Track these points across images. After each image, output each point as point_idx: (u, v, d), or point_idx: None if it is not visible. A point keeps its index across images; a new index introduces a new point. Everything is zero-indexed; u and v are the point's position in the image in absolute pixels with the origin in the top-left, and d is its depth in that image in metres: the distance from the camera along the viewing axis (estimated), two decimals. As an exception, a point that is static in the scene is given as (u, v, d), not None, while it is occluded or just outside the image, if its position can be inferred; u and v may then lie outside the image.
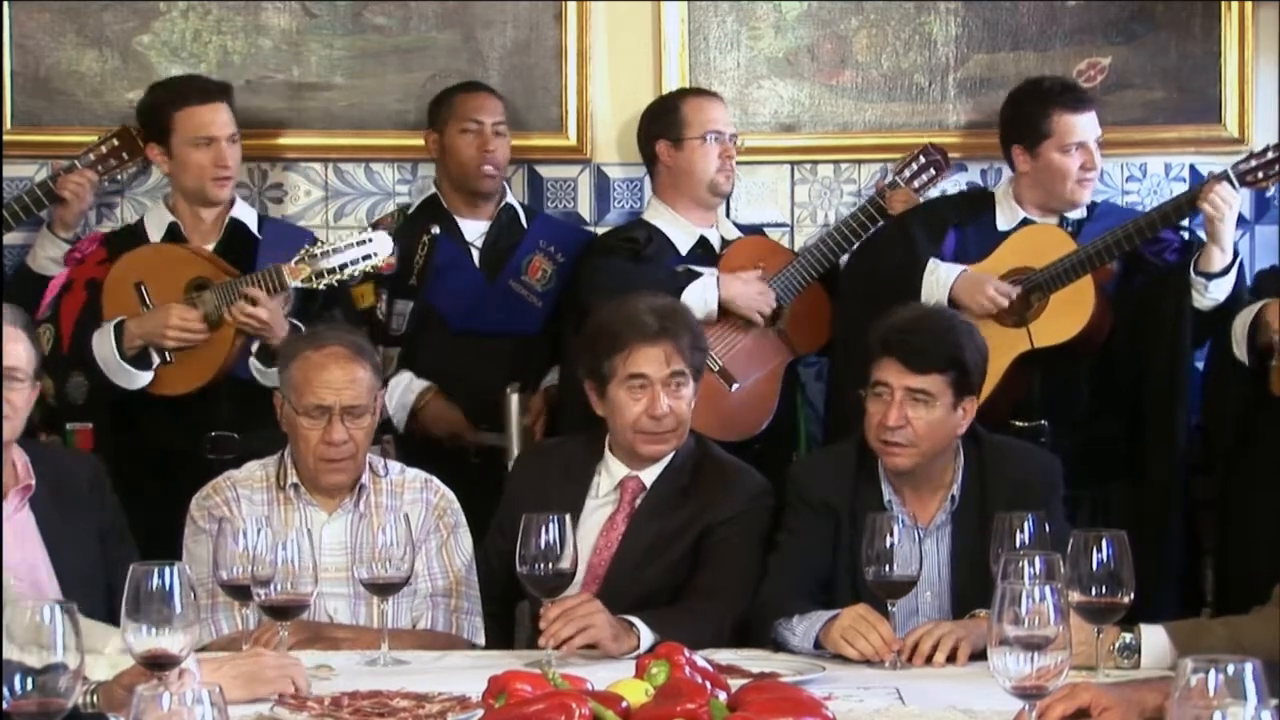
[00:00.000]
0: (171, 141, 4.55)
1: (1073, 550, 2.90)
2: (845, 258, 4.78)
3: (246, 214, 4.68)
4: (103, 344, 4.37)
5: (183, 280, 4.44)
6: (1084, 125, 4.54)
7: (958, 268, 4.49)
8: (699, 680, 2.59)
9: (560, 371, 4.69)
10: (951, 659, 3.22)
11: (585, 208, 5.08)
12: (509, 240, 4.83)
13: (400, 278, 4.67)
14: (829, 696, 2.82)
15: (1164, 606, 3.93)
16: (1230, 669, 1.88)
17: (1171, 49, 4.97)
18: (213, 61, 5.00)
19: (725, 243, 4.78)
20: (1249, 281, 4.51)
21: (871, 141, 5.03)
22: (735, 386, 4.60)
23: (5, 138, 4.87)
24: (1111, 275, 4.53)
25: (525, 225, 4.86)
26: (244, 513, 3.60)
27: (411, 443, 4.59)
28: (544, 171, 5.08)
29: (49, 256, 4.74)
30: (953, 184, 5.00)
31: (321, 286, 4.33)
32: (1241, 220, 4.75)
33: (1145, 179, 5.01)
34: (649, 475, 3.75)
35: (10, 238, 4.83)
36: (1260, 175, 4.44)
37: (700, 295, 4.51)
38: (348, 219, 5.03)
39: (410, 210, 4.87)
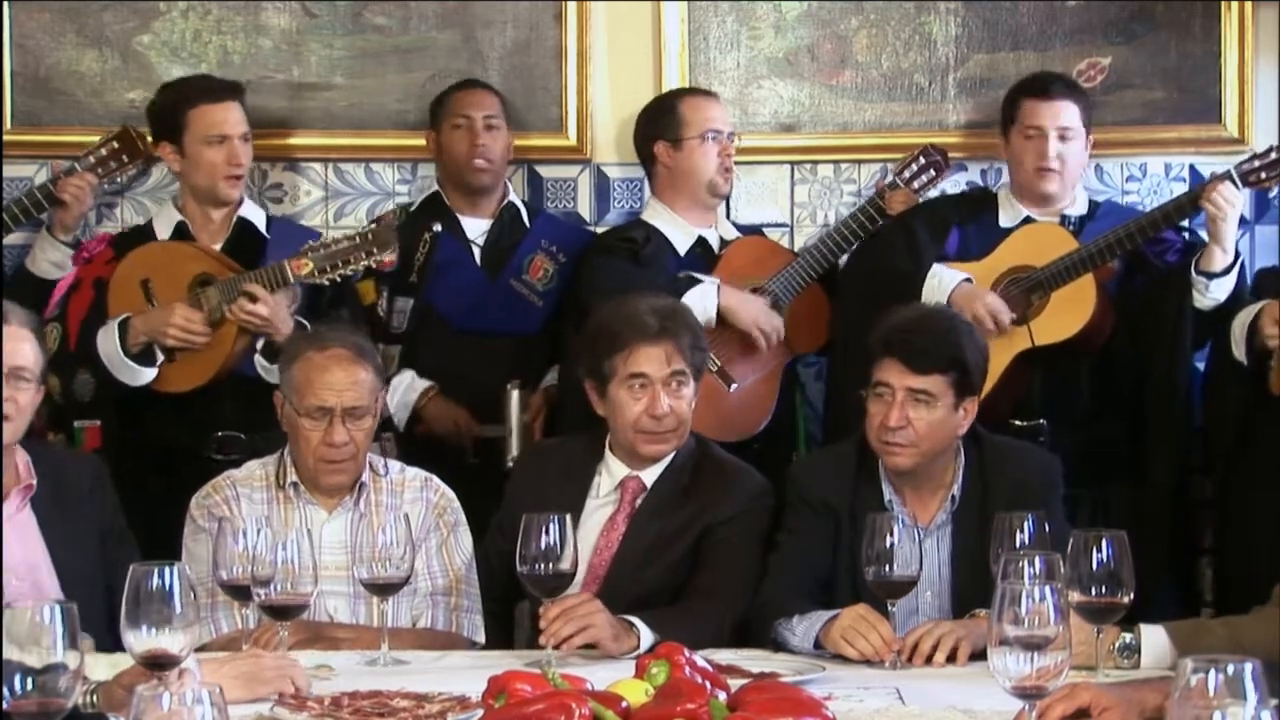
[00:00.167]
0: (184, 140, 4.56)
1: (1073, 550, 2.90)
2: (845, 258, 4.78)
3: (255, 213, 4.69)
4: (107, 341, 4.38)
5: (188, 277, 4.45)
6: (1043, 112, 4.53)
7: (959, 275, 4.48)
8: (699, 680, 2.59)
9: (560, 371, 4.69)
10: (951, 659, 3.22)
11: (585, 208, 5.08)
12: (511, 239, 4.83)
13: (400, 275, 4.67)
14: (829, 696, 2.82)
15: (1164, 606, 3.93)
16: (1230, 669, 1.88)
17: (1171, 49, 4.97)
18: (213, 61, 5.00)
19: (724, 243, 4.77)
20: (1249, 281, 4.51)
21: (871, 141, 5.03)
22: (734, 387, 4.60)
23: (5, 138, 4.88)
24: (1113, 275, 4.53)
25: (528, 224, 4.86)
26: (244, 512, 3.60)
27: (412, 442, 4.59)
28: (544, 171, 5.08)
29: (49, 259, 4.74)
30: (953, 184, 5.00)
31: (325, 281, 4.34)
32: (1241, 220, 4.74)
33: (1145, 179, 5.01)
34: (649, 475, 3.75)
35: (10, 239, 4.83)
36: (1263, 175, 4.43)
37: (699, 301, 4.50)
38: (348, 219, 5.03)
39: (412, 208, 4.88)
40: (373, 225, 4.40)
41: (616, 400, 3.71)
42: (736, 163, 4.78)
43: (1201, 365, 4.55)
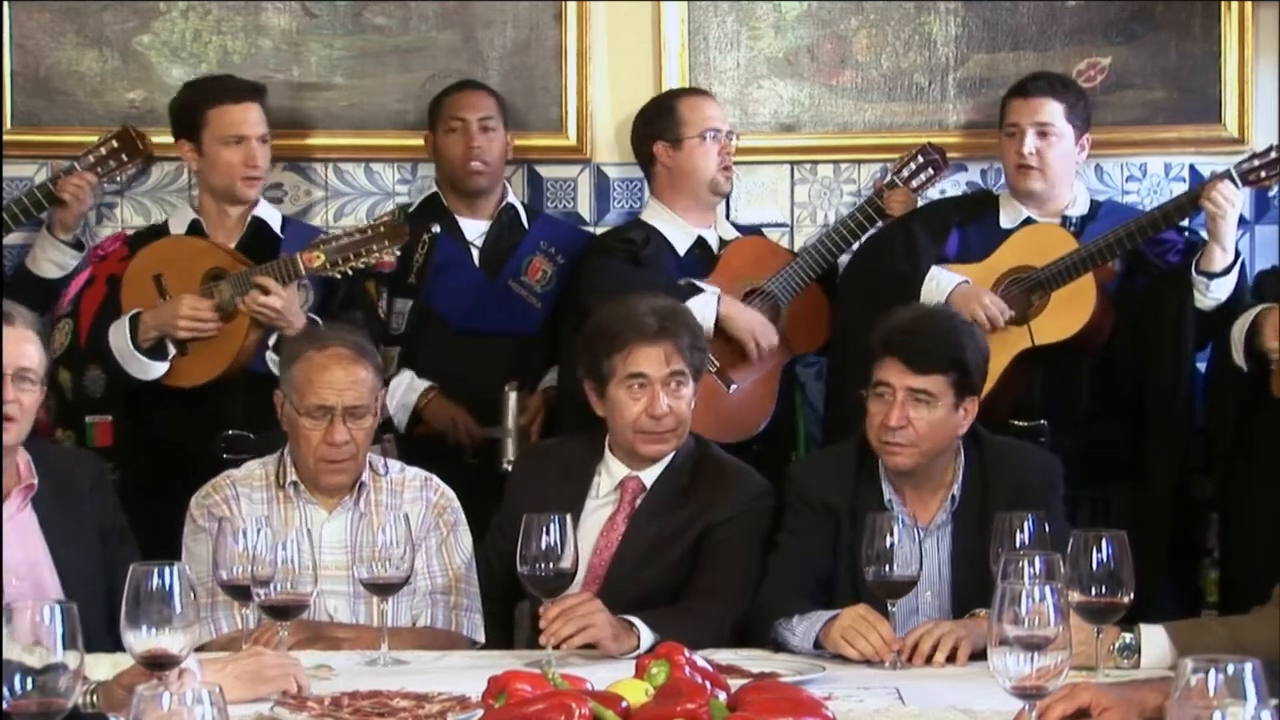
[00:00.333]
0: (202, 139, 4.58)
1: (1073, 550, 2.90)
2: (844, 258, 4.78)
3: (270, 214, 4.70)
4: (118, 335, 4.40)
5: (200, 271, 4.47)
6: (1019, 109, 4.54)
7: (957, 277, 4.48)
8: (699, 680, 2.59)
9: (558, 372, 4.69)
10: (951, 659, 3.22)
11: (585, 208, 5.08)
12: (510, 240, 4.83)
13: (399, 276, 4.68)
14: (829, 696, 2.82)
15: (1164, 606, 3.93)
16: (1230, 669, 1.88)
17: (1171, 49, 4.97)
18: (213, 61, 5.00)
19: (723, 243, 4.77)
20: (1250, 282, 4.51)
21: (871, 141, 5.03)
22: (733, 387, 4.60)
23: (5, 138, 4.88)
24: (1113, 275, 4.53)
25: (526, 225, 4.86)
26: (243, 511, 3.60)
27: (412, 443, 4.59)
28: (544, 171, 5.08)
29: (49, 258, 4.75)
30: (952, 184, 5.00)
31: (337, 274, 4.35)
32: (1241, 220, 4.74)
33: (1145, 179, 5.00)
34: (649, 475, 3.75)
35: (10, 239, 4.84)
36: (1263, 174, 4.43)
37: (699, 311, 4.49)
38: (347, 219, 5.03)
39: (411, 209, 4.88)
40: (385, 218, 4.40)
41: (616, 400, 3.71)
42: (736, 163, 4.78)
43: (1202, 366, 4.55)
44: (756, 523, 3.69)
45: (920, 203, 4.85)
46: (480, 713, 2.67)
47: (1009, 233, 4.59)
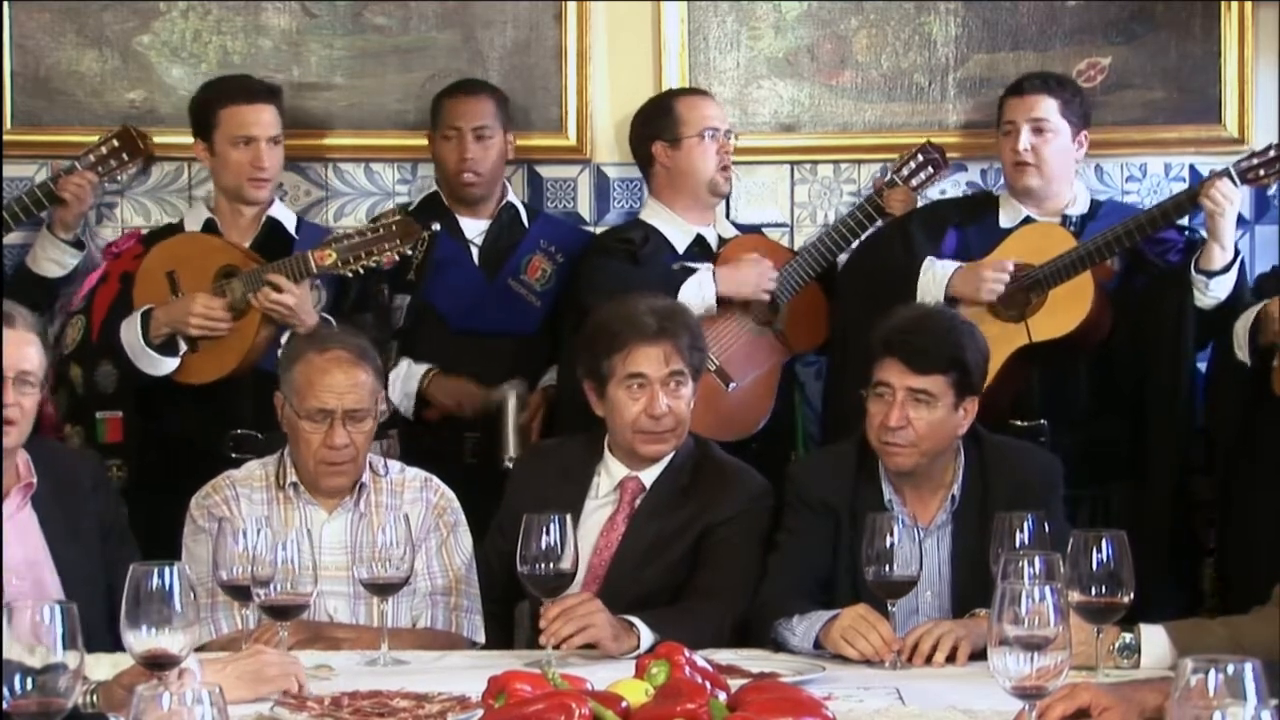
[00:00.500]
0: (214, 138, 4.58)
1: (1073, 550, 2.90)
2: (843, 256, 4.79)
3: (285, 215, 4.71)
4: (129, 330, 4.42)
5: (213, 269, 4.48)
6: (1015, 106, 4.56)
7: (953, 264, 4.49)
8: (699, 680, 2.59)
9: (557, 371, 4.69)
10: (951, 659, 3.22)
11: (585, 208, 5.07)
12: (510, 239, 4.83)
13: (399, 272, 4.67)
14: (829, 696, 2.82)
15: (1164, 606, 3.93)
16: (1230, 669, 1.88)
17: (1171, 49, 4.97)
18: (213, 61, 5.00)
19: (722, 241, 4.77)
20: (1250, 282, 4.51)
21: (871, 141, 5.03)
22: (732, 386, 4.60)
23: (5, 138, 4.88)
24: (1113, 274, 4.53)
25: (526, 225, 4.86)
26: (243, 512, 3.60)
27: (420, 431, 4.58)
28: (544, 171, 5.08)
29: (49, 257, 4.76)
30: (952, 184, 5.00)
31: (348, 273, 4.35)
32: (1242, 220, 4.75)
33: (1145, 179, 5.00)
34: (649, 475, 3.75)
35: (10, 238, 4.84)
36: (1261, 173, 4.43)
37: (698, 291, 4.51)
38: (347, 219, 5.03)
39: (412, 207, 4.87)
40: (397, 218, 4.40)
41: (615, 400, 3.71)
42: (736, 163, 4.79)
43: (1203, 366, 4.55)
44: (756, 523, 3.69)
45: (920, 202, 4.86)
46: (480, 713, 2.67)
47: (1008, 232, 4.59)
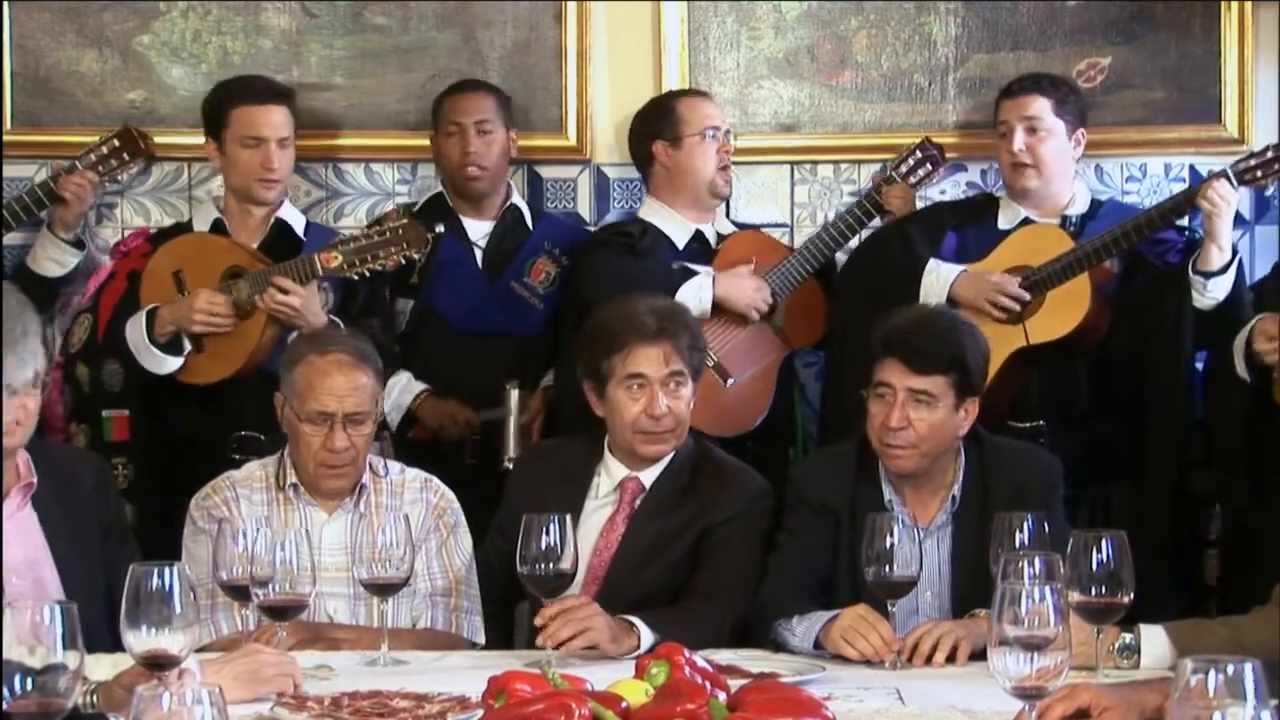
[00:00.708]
0: (224, 137, 4.59)
1: (1073, 550, 2.90)
2: (841, 254, 4.79)
3: (293, 216, 4.70)
4: (134, 329, 4.42)
5: (219, 269, 4.48)
6: (1009, 107, 4.57)
7: (958, 267, 4.50)
8: (699, 680, 2.59)
9: (556, 372, 4.69)
10: (951, 659, 3.22)
11: (585, 208, 5.07)
12: (513, 241, 4.83)
13: (402, 275, 4.67)
14: (829, 696, 2.82)
15: (1164, 606, 3.92)
16: (1230, 669, 1.88)
17: (1171, 49, 4.97)
18: (213, 61, 5.00)
19: (721, 238, 4.78)
20: (1250, 283, 4.50)
21: (871, 142, 5.03)
22: (731, 381, 4.60)
23: (5, 138, 4.88)
24: (1111, 275, 4.53)
25: (530, 226, 4.86)
26: (243, 513, 3.60)
27: (404, 444, 4.58)
28: (544, 171, 5.08)
29: (49, 257, 4.76)
30: (952, 184, 5.01)
31: (354, 276, 4.36)
32: (1242, 220, 4.75)
33: (1145, 179, 5.00)
34: (648, 476, 3.75)
35: (10, 238, 4.84)
36: (1259, 174, 4.43)
37: (695, 293, 4.52)
38: (347, 219, 5.03)
39: (416, 208, 4.87)
40: (404, 221, 4.40)
41: (615, 401, 3.71)
42: (737, 163, 4.79)
43: (1201, 366, 4.55)
44: (756, 523, 3.69)
45: (919, 199, 4.86)
46: (480, 713, 2.67)
47: (1006, 234, 4.59)
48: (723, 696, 2.57)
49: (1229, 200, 4.37)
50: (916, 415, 3.53)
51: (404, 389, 4.67)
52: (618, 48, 5.04)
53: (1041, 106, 4.53)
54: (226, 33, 5.02)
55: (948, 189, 4.99)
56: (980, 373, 3.65)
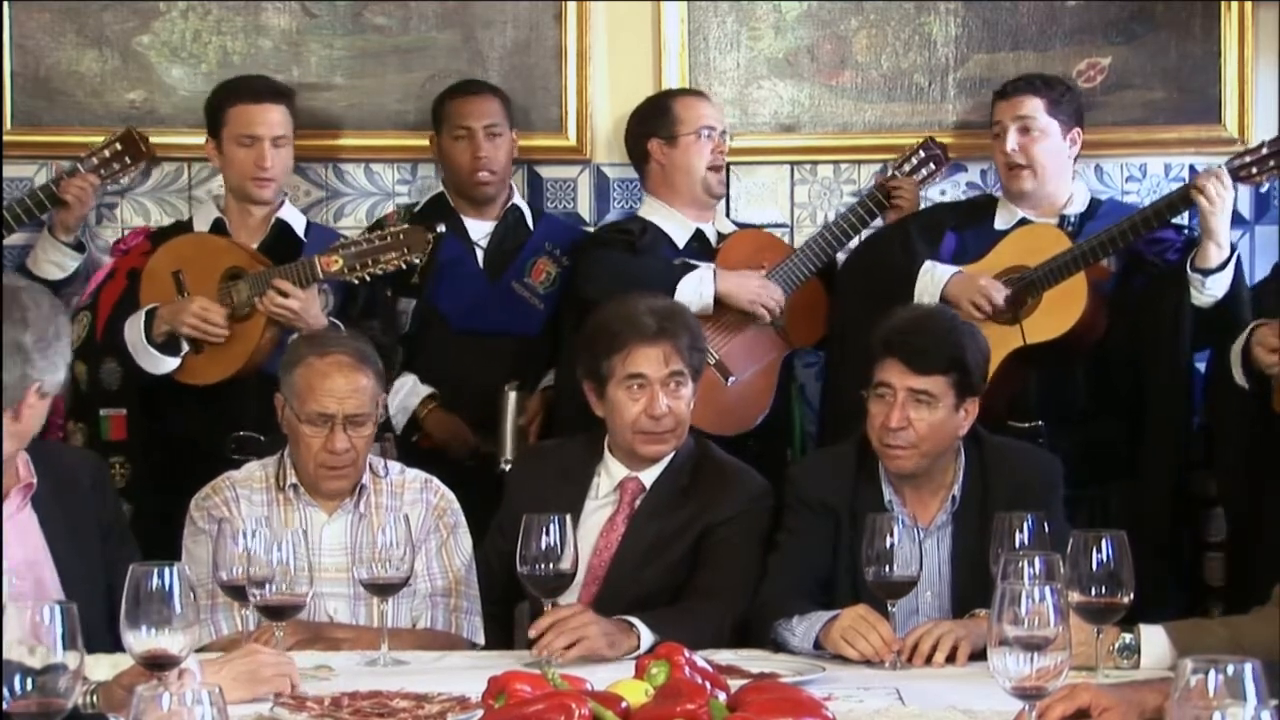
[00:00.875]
0: (222, 136, 4.59)
1: (1073, 550, 2.90)
2: (842, 254, 4.79)
3: (294, 216, 4.70)
4: (132, 328, 4.42)
5: (219, 270, 4.48)
6: (1001, 108, 4.57)
7: (952, 268, 4.50)
8: (699, 680, 2.59)
9: (556, 373, 4.69)
10: (951, 659, 3.22)
11: (585, 208, 5.07)
12: (514, 241, 4.83)
13: (403, 276, 4.67)
14: (829, 697, 2.82)
15: (1164, 606, 3.93)
16: (1230, 669, 1.88)
17: (1171, 49, 4.97)
18: (213, 62, 5.00)
19: (721, 237, 4.78)
20: (1249, 282, 4.50)
21: (871, 142, 5.03)
22: (732, 380, 4.60)
23: (5, 138, 4.88)
24: (1109, 275, 4.53)
25: (531, 227, 4.86)
26: (243, 513, 3.60)
27: (407, 445, 4.59)
28: (544, 171, 5.07)
29: (50, 259, 4.76)
30: (952, 184, 5.01)
31: (355, 279, 4.35)
32: (1242, 220, 4.74)
33: (1145, 179, 5.00)
34: (648, 476, 3.75)
35: (10, 240, 4.84)
36: (1254, 170, 4.42)
37: (696, 288, 4.51)
38: (347, 219, 5.03)
39: (417, 208, 4.87)
40: (405, 225, 4.40)
41: (615, 401, 3.71)
42: (737, 163, 4.80)
43: (1201, 365, 4.55)
44: (756, 523, 3.69)
45: (921, 199, 4.86)
46: (480, 713, 2.67)
47: (1004, 234, 4.59)
48: (723, 696, 2.57)
49: (1224, 195, 4.36)
50: (916, 415, 3.53)
51: (410, 392, 4.66)
52: (618, 48, 5.04)
53: (1034, 106, 4.53)
54: (226, 33, 5.02)
55: (947, 189, 5.00)
56: (980, 373, 3.65)
